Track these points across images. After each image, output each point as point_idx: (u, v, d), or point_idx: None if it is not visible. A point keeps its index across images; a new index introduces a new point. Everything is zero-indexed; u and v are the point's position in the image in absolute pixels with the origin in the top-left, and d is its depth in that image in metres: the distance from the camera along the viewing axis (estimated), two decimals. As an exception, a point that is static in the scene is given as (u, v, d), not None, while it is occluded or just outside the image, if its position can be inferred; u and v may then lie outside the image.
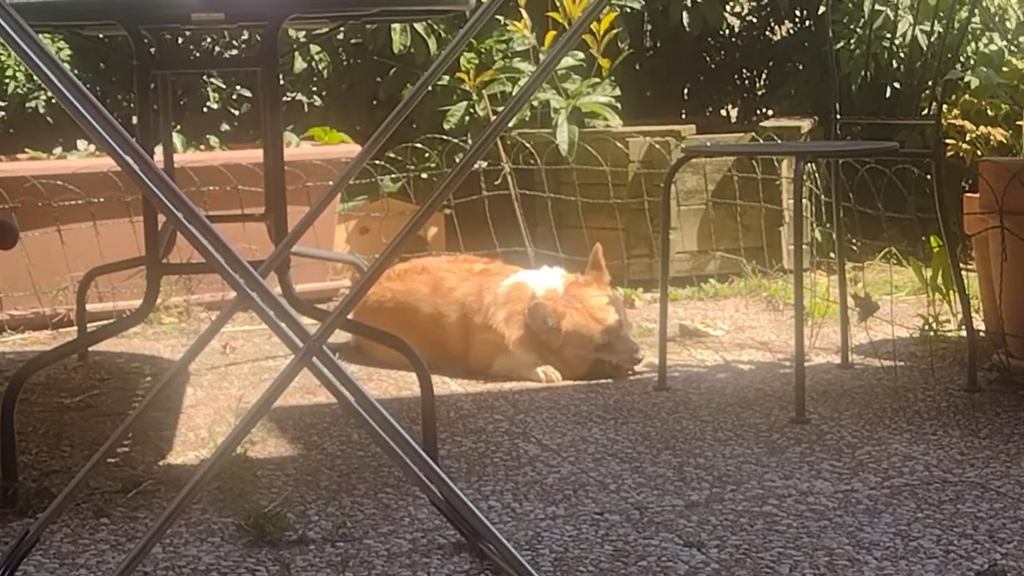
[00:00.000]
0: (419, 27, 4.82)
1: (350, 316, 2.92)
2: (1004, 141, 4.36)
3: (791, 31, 5.82)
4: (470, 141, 4.62)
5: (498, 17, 4.74)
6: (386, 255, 1.87)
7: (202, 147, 4.53)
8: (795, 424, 2.81)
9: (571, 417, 2.93)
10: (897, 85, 4.88)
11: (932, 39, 3.34)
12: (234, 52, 5.02)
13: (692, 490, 2.40)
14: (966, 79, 4.47)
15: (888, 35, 4.76)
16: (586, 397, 3.11)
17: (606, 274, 3.44)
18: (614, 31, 4.71)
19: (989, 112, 4.60)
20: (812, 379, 3.15)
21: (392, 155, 4.67)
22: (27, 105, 4.62)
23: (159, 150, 3.39)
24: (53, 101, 4.64)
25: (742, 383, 3.20)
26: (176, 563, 2.08)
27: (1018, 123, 4.47)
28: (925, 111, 3.35)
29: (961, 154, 4.33)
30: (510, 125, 4.46)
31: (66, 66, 1.68)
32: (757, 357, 3.49)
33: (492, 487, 2.44)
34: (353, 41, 5.11)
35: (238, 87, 5.03)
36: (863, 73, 4.78)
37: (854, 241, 4.32)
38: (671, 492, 2.39)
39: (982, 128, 4.49)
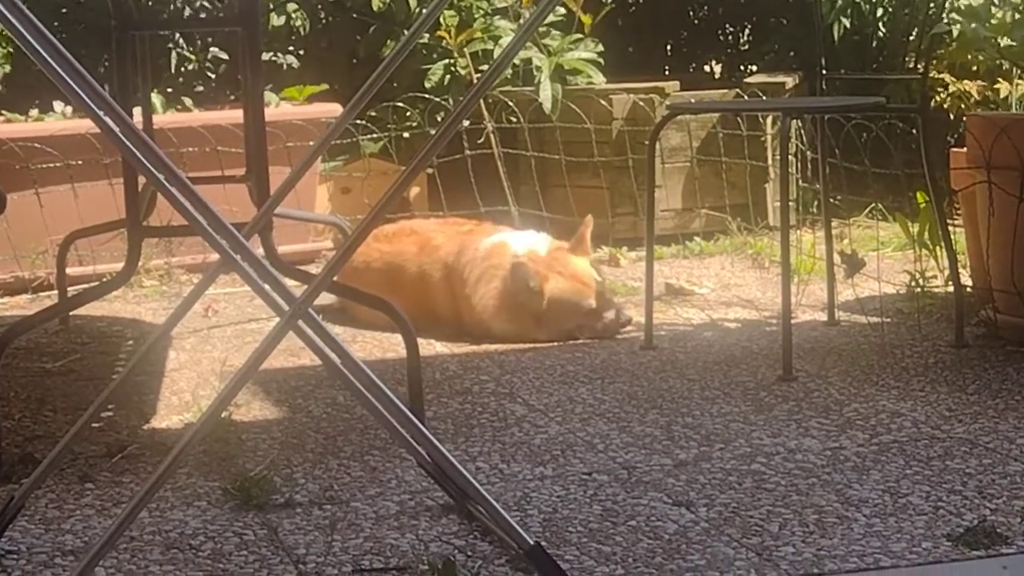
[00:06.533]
0: (399, -17, 4.77)
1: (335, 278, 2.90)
2: (982, 96, 4.34)
3: (775, -14, 5.78)
4: (451, 100, 4.58)
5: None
6: (370, 217, 1.84)
7: (178, 108, 4.48)
8: (782, 382, 2.81)
9: (558, 377, 2.92)
10: (881, 34, 4.85)
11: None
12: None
13: (680, 449, 2.39)
14: (952, 31, 4.45)
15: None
16: (572, 357, 3.09)
17: (588, 247, 3.40)
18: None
19: (973, 67, 4.58)
20: (799, 336, 3.14)
21: (373, 114, 4.63)
22: None
23: (137, 112, 3.35)
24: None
25: (728, 341, 3.19)
26: (163, 527, 2.07)
27: (997, 81, 4.45)
28: (911, 65, 3.33)
29: (945, 105, 4.31)
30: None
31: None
32: (743, 315, 3.48)
33: (479, 448, 2.43)
34: (331, -1, 5.06)
35: (213, 48, 4.97)
36: (847, 23, 4.74)
37: (840, 197, 4.30)
38: (659, 451, 2.38)
39: (964, 83, 4.47)
